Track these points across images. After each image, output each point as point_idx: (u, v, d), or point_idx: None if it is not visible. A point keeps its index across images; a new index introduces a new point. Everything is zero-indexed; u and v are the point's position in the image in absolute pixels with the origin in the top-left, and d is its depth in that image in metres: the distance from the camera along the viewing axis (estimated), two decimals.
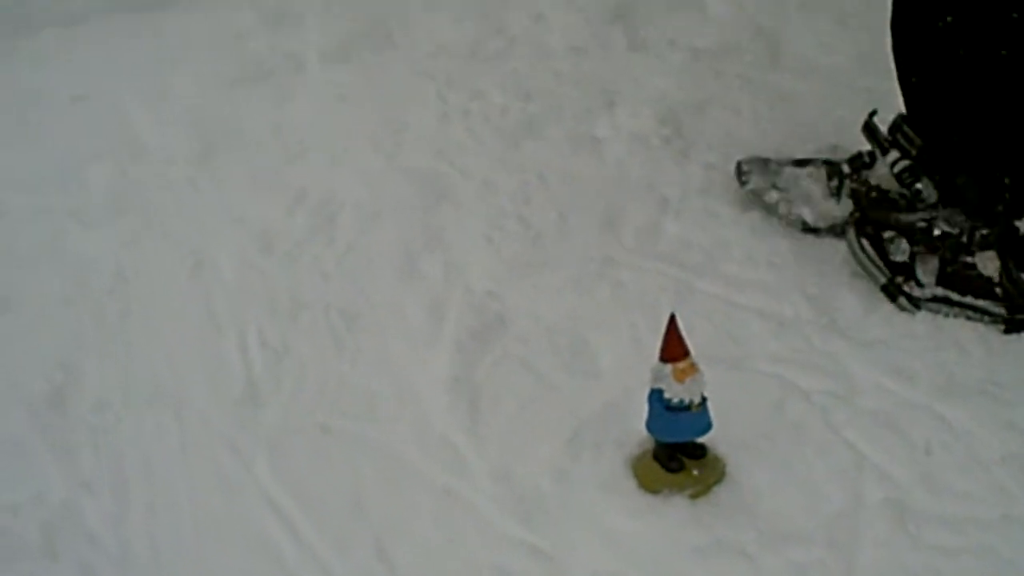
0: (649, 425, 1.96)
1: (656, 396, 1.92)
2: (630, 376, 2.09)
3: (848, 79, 3.08)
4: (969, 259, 2.34)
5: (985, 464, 2.00)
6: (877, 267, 2.37)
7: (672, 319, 1.91)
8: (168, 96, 3.24)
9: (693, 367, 1.89)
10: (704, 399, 1.92)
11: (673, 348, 1.90)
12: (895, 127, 2.44)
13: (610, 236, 2.59)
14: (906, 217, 2.39)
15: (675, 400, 1.90)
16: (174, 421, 2.17)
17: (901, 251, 2.36)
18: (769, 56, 3.23)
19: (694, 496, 1.96)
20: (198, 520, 1.97)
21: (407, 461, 2.06)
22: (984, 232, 2.32)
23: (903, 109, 2.42)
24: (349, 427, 2.14)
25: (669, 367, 1.89)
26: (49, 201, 2.83)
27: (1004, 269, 2.29)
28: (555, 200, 2.71)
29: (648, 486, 1.98)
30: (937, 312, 2.33)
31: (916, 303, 2.33)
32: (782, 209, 2.57)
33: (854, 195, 2.53)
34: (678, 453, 1.98)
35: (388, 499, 2.00)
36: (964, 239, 2.33)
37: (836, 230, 2.53)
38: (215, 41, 3.49)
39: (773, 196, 2.59)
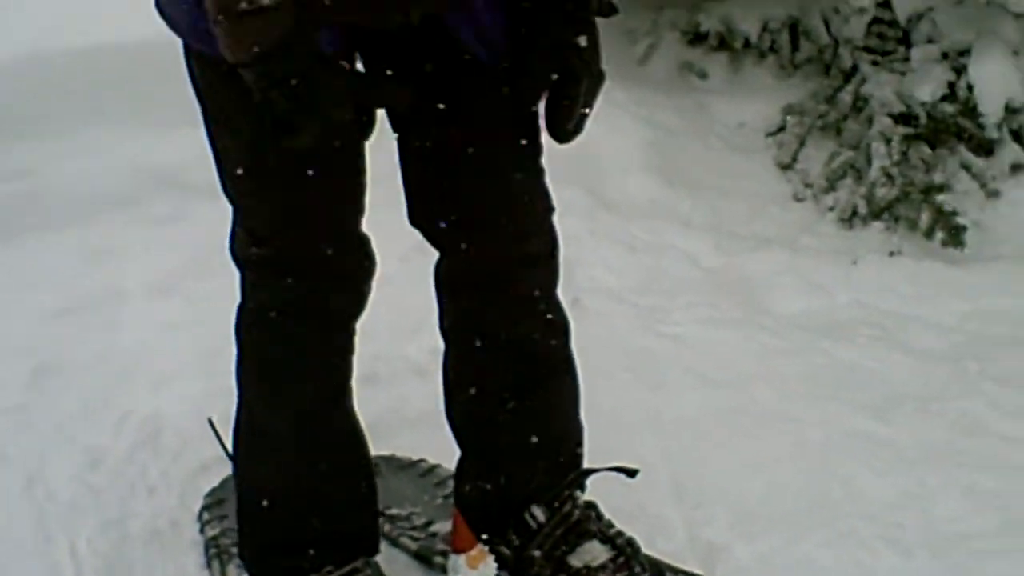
0: None
1: None
2: None
3: None
4: None
5: None
6: None
7: (457, 513, 2.11)
8: None
9: (483, 552, 2.07)
10: None
11: (462, 539, 2.08)
12: None
13: None
14: None
15: None
16: None
17: None
18: None
19: None
20: None
21: None
22: None
23: None
24: None
25: (463, 557, 2.06)
26: None
27: None
28: None
29: None
30: None
31: None
32: None
33: None
34: None
35: None
36: None
37: None
38: (41, 276, 3.62)
39: None
